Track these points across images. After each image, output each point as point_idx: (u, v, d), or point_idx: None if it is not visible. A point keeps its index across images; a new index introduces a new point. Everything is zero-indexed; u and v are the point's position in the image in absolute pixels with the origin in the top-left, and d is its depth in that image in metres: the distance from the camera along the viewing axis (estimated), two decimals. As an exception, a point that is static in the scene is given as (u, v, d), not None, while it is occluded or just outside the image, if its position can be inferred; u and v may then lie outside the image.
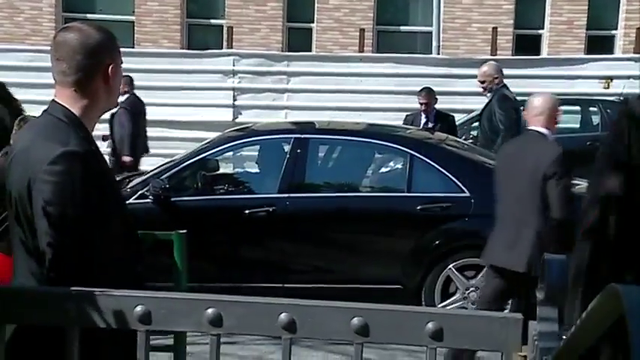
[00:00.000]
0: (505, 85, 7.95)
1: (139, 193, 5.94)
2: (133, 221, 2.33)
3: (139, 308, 1.59)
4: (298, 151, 6.16)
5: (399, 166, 6.48)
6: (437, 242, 5.89)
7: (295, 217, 5.99)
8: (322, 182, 6.55)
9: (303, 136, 6.33)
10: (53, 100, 2.19)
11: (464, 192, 5.90)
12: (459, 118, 9.84)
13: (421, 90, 9.03)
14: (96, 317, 1.60)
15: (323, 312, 1.56)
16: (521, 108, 5.96)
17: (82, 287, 1.67)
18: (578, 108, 11.08)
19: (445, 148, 6.52)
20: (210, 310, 1.57)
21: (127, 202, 5.26)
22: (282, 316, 1.55)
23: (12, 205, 2.11)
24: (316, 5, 15.26)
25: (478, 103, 8.97)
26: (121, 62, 2.24)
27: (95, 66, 2.15)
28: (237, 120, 11.59)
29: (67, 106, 2.15)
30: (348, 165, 6.92)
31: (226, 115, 11.86)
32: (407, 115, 9.32)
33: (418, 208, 5.90)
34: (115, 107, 2.33)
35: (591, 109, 11.18)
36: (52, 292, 1.75)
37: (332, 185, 6.49)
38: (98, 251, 2.06)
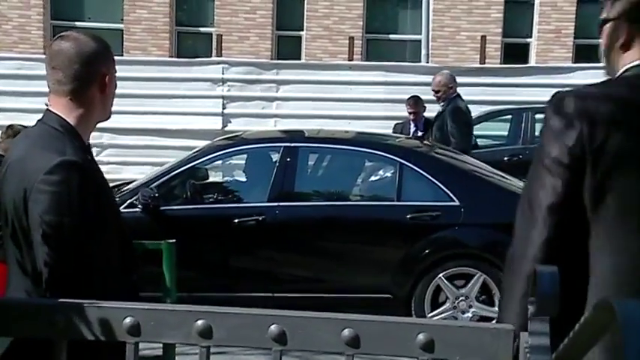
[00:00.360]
0: (459, 95, 7.97)
1: (128, 202, 5.92)
2: (128, 230, 2.32)
3: (127, 320, 1.58)
4: (288, 159, 6.15)
5: (389, 174, 6.48)
6: (427, 251, 5.88)
7: (285, 226, 5.98)
8: (312, 191, 6.55)
9: (292, 144, 6.32)
10: (48, 109, 2.17)
11: (454, 201, 5.90)
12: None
13: (409, 99, 9.05)
14: (84, 329, 1.58)
15: (313, 323, 1.55)
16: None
17: (77, 299, 1.65)
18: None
19: (435, 156, 6.52)
20: (199, 322, 1.56)
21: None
22: (273, 327, 1.54)
23: (7, 221, 2.08)
24: (305, 13, 15.30)
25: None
26: (115, 72, 2.23)
27: (91, 75, 2.14)
28: (226, 128, 11.56)
29: (62, 115, 2.14)
30: (337, 174, 6.92)
31: (215, 123, 11.84)
32: (396, 124, 9.34)
33: (408, 216, 5.90)
34: (109, 118, 2.32)
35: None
36: (41, 303, 1.73)
37: (322, 194, 6.49)
38: (95, 260, 2.05)
